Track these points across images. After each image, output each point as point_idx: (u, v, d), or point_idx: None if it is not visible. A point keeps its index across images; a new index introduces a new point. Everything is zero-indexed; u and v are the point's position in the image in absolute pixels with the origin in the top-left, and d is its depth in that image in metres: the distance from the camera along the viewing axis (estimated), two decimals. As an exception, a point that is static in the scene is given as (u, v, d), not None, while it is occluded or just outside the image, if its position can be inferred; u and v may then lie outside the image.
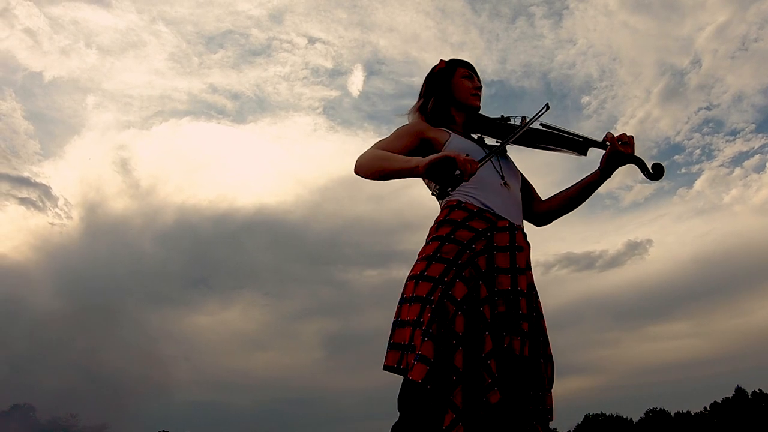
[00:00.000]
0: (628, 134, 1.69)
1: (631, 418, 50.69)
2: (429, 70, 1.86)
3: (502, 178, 1.70)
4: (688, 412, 49.01)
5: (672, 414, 49.47)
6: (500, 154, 1.78)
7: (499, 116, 1.80)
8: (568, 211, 1.85)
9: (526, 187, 1.88)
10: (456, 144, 1.69)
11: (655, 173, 1.68)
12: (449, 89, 1.81)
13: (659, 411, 49.97)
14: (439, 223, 1.62)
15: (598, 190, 1.79)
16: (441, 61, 1.86)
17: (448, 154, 1.39)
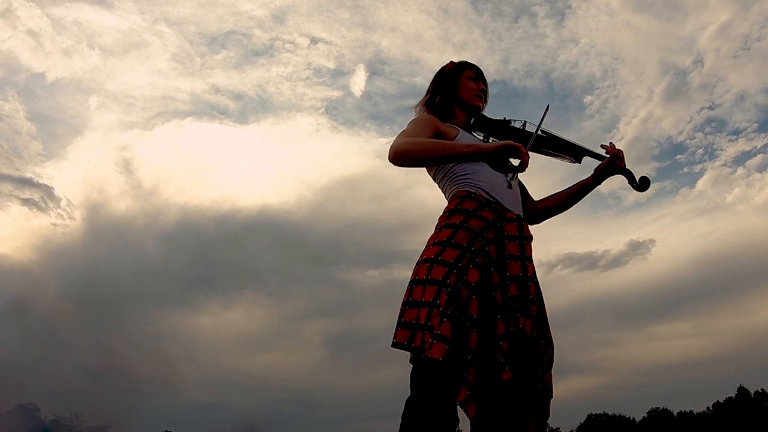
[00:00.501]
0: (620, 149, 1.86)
1: (633, 418, 50.73)
2: (437, 70, 1.98)
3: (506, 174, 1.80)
4: (691, 411, 48.99)
5: (675, 414, 49.44)
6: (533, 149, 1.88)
7: (501, 118, 1.89)
8: (561, 212, 2.00)
9: (521, 185, 1.98)
10: (465, 140, 1.78)
11: (641, 185, 1.84)
12: (455, 88, 1.92)
13: (662, 411, 49.94)
14: (450, 211, 1.70)
15: (595, 189, 1.94)
16: (450, 62, 1.98)
17: (513, 143, 1.49)
